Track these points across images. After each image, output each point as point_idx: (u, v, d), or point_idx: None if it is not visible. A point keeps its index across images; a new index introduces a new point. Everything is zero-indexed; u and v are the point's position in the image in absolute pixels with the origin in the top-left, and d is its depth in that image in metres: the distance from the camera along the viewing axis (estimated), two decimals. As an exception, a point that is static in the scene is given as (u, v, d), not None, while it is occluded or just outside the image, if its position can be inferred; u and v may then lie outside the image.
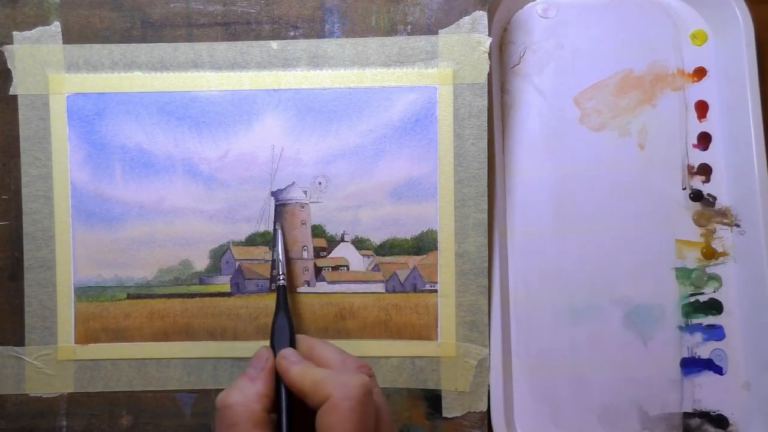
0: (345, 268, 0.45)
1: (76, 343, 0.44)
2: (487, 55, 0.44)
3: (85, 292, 0.45)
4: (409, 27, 0.45)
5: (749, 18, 0.47)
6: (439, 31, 0.45)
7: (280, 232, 0.44)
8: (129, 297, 0.45)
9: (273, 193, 0.45)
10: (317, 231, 0.45)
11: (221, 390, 0.36)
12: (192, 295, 0.45)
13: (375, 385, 0.37)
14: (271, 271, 0.45)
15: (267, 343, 0.39)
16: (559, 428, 0.46)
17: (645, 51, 0.49)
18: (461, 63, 0.45)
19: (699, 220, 0.48)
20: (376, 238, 0.45)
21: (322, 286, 0.45)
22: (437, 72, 0.45)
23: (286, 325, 0.39)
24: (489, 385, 0.44)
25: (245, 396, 0.35)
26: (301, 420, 0.36)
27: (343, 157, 0.45)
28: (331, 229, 0.45)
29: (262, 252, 0.45)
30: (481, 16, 0.44)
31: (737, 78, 0.47)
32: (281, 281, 0.42)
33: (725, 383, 0.46)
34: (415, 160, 0.45)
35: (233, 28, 0.45)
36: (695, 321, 0.47)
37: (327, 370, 0.36)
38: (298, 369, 0.36)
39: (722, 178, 0.48)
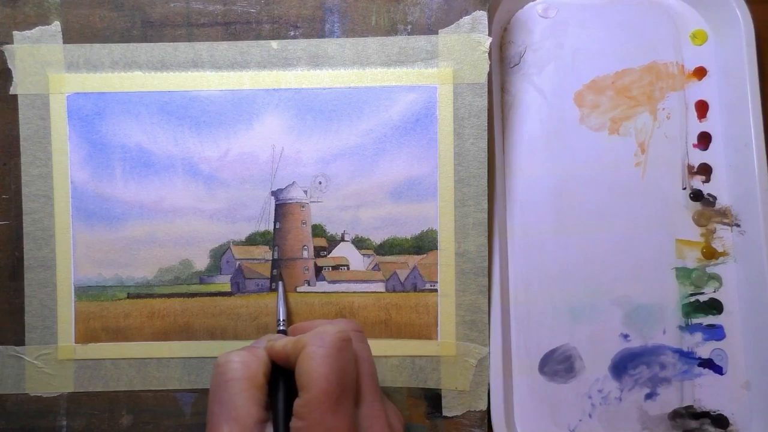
0: (345, 267, 0.45)
1: (76, 342, 0.44)
2: (487, 54, 0.44)
3: (85, 292, 0.45)
4: (409, 27, 0.45)
5: (749, 18, 0.47)
6: (439, 30, 0.45)
7: (281, 286, 0.45)
8: (129, 296, 0.45)
9: (273, 193, 0.45)
10: (317, 230, 0.45)
11: None
12: (192, 295, 0.45)
13: (362, 339, 0.37)
14: (272, 271, 0.45)
15: None
16: (559, 428, 0.46)
17: (645, 51, 0.49)
18: (461, 63, 0.45)
19: (699, 220, 0.48)
20: (376, 238, 0.45)
21: (322, 286, 0.45)
22: (437, 72, 0.45)
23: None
24: (489, 384, 0.44)
25: (246, 356, 0.36)
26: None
27: (343, 157, 0.45)
28: (331, 229, 0.45)
29: (262, 252, 0.45)
30: (481, 16, 0.44)
31: (737, 78, 0.47)
32: (281, 326, 0.43)
33: (725, 383, 0.46)
34: (415, 160, 0.45)
35: (233, 28, 0.45)
36: (695, 321, 0.47)
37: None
38: (282, 340, 0.36)
39: (722, 178, 0.48)
